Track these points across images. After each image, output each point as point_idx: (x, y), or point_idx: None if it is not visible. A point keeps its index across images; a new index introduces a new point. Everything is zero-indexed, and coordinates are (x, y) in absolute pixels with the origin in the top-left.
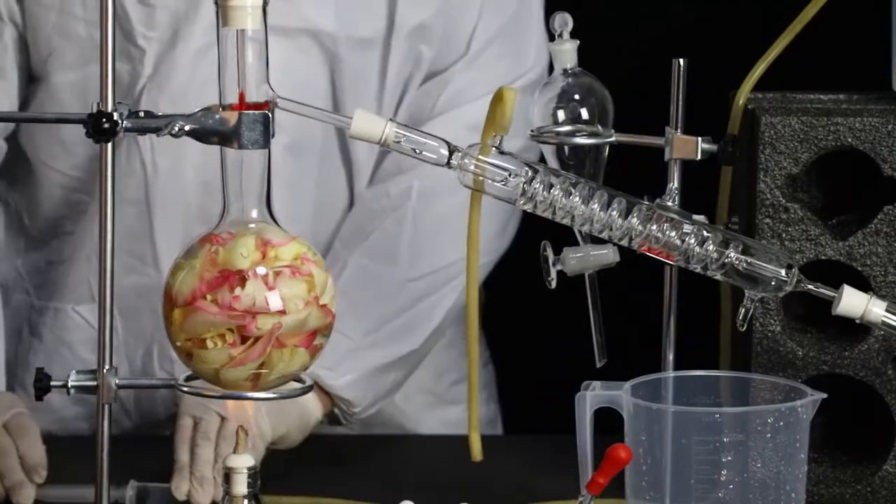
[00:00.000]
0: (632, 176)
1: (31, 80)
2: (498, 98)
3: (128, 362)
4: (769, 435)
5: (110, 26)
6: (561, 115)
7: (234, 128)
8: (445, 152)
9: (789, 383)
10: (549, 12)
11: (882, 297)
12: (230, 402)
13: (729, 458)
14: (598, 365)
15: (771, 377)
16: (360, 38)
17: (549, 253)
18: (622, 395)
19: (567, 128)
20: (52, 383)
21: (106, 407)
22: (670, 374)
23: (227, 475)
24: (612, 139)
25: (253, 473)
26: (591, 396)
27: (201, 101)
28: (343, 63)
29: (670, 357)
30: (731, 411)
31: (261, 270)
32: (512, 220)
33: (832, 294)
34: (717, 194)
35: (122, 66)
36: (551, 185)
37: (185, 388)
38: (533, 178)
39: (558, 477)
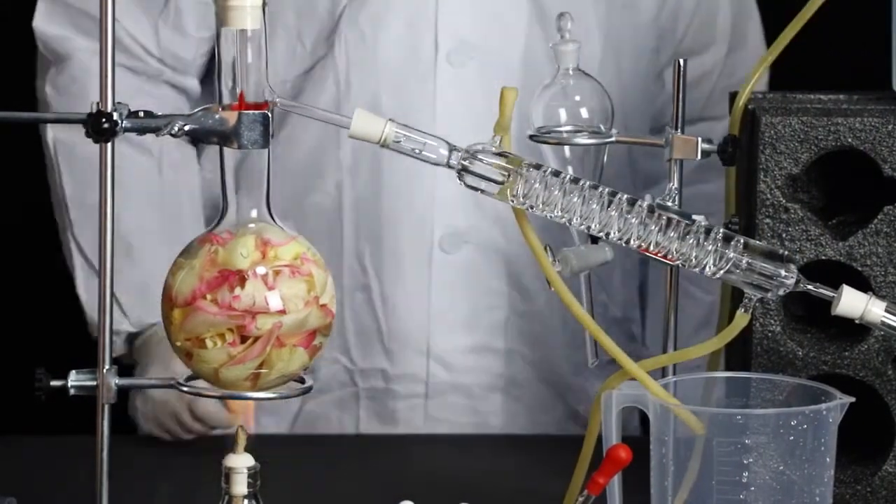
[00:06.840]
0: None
1: None
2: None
3: None
4: (792, 437)
5: (110, 25)
6: (562, 114)
7: (233, 128)
8: (445, 152)
9: (819, 386)
10: None
11: (882, 298)
12: (231, 402)
13: (751, 459)
14: (590, 365)
15: (797, 379)
16: None
17: (551, 255)
18: (648, 395)
19: (567, 127)
20: (52, 383)
21: (106, 407)
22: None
23: (227, 475)
24: (613, 139)
25: (253, 473)
26: (618, 395)
27: (402, 18)
28: None
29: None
30: (753, 413)
31: (260, 270)
32: None
33: (832, 294)
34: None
35: None
36: (550, 185)
37: (185, 388)
38: (532, 178)
39: (558, 477)
